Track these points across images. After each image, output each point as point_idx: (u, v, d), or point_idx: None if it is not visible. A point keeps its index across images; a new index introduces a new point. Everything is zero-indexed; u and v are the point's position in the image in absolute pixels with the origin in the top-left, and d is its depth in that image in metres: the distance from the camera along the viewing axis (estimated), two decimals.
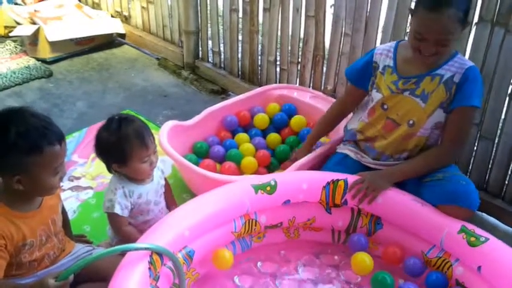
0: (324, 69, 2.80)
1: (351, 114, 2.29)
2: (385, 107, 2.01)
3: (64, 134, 1.56)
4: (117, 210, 1.78)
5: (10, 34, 3.83)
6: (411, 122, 1.96)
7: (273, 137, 2.59)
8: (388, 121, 2.02)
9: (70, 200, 2.32)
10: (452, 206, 1.80)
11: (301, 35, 2.83)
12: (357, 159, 2.10)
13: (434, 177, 1.91)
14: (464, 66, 1.89)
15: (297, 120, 2.62)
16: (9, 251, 1.53)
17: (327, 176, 1.96)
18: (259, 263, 1.93)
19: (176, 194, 2.23)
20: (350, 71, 2.17)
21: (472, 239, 1.71)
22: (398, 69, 1.98)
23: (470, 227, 1.75)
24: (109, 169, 1.85)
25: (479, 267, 1.68)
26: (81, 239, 1.95)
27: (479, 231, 1.74)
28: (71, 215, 2.20)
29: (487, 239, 1.70)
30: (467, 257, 1.72)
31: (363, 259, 1.84)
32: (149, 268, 1.54)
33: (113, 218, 1.82)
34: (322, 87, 2.82)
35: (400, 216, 1.88)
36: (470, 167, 2.31)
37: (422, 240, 1.84)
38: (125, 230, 1.82)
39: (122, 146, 1.75)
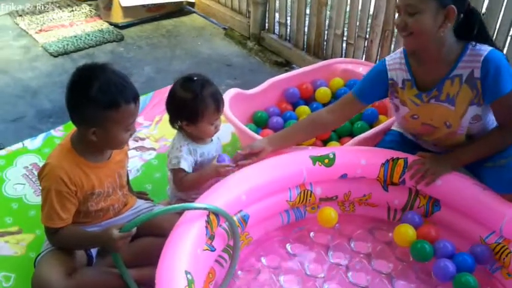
0: (392, 45, 2.73)
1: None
2: (416, 117, 1.93)
3: (139, 94, 1.62)
4: (184, 165, 1.85)
5: None
6: (448, 123, 1.88)
7: None
8: (424, 126, 1.94)
9: (134, 159, 2.42)
10: (511, 194, 1.74)
11: (371, 9, 2.76)
12: (413, 139, 2.07)
13: (496, 162, 1.83)
14: (479, 58, 1.73)
15: None
16: (78, 198, 1.63)
17: (387, 153, 1.93)
18: (312, 233, 1.95)
19: None
20: (360, 91, 1.97)
21: None
22: (418, 83, 1.87)
23: None
24: (173, 124, 1.91)
25: None
26: (142, 196, 2.06)
27: None
28: (134, 174, 2.32)
29: None
30: None
31: (406, 231, 1.82)
32: (206, 227, 1.60)
33: (178, 173, 1.87)
34: None
35: (460, 200, 1.83)
36: None
37: (482, 225, 1.79)
38: (187, 181, 1.86)
39: (197, 106, 1.81)
